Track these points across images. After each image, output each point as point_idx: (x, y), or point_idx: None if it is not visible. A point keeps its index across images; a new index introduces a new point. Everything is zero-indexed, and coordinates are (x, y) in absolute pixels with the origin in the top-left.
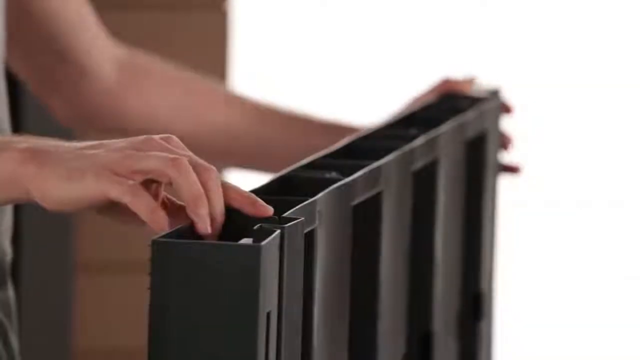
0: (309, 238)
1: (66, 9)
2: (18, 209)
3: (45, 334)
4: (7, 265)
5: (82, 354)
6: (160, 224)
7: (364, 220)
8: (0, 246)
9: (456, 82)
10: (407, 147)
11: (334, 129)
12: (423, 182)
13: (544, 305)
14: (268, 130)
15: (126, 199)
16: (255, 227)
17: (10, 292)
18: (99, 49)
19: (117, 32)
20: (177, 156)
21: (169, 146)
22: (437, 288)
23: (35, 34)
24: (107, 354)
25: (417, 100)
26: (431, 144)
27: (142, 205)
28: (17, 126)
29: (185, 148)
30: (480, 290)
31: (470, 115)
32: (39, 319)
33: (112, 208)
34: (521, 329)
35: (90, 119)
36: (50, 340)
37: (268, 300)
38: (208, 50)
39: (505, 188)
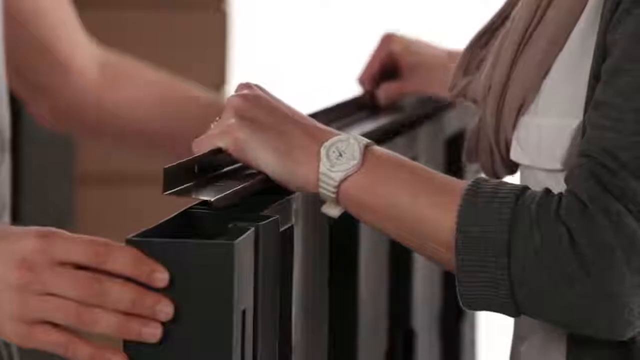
0: (286, 236)
1: (54, 7)
2: (16, 211)
3: None
4: None
5: None
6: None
7: (342, 218)
8: None
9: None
10: (386, 145)
11: None
12: None
13: None
14: None
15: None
16: (230, 225)
17: None
18: (82, 48)
19: (117, 31)
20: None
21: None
22: (418, 286)
23: (18, 33)
24: None
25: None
26: (410, 141)
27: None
28: (16, 127)
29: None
30: None
31: (449, 113)
32: None
33: None
34: (504, 327)
35: (70, 119)
36: None
37: (243, 297)
38: (208, 50)
39: None
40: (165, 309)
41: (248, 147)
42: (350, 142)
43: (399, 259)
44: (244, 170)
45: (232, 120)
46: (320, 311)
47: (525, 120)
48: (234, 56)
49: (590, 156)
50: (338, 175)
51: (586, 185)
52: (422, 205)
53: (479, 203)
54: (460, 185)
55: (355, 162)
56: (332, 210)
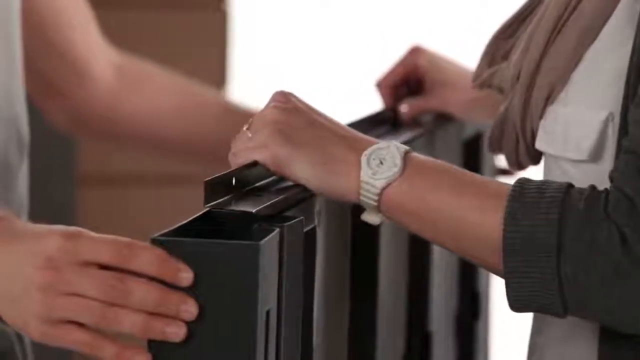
0: (309, 237)
1: (68, 8)
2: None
3: None
4: None
5: None
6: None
7: (363, 220)
8: None
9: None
10: None
11: None
12: None
13: None
14: None
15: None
16: (255, 226)
17: None
18: (99, 51)
19: (117, 31)
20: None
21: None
22: (435, 288)
23: (36, 34)
24: None
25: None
26: (428, 143)
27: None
28: None
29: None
30: (478, 290)
31: None
32: None
33: None
34: (517, 327)
35: (85, 123)
36: None
37: (267, 298)
38: (207, 50)
39: None
40: (190, 309)
41: (287, 162)
42: (390, 149)
43: (418, 260)
44: (281, 182)
45: (270, 134)
46: (341, 312)
47: (553, 110)
48: (234, 56)
49: (635, 152)
50: (380, 183)
51: (633, 182)
52: (467, 208)
53: (525, 204)
54: (504, 186)
55: (396, 169)
56: (373, 218)
